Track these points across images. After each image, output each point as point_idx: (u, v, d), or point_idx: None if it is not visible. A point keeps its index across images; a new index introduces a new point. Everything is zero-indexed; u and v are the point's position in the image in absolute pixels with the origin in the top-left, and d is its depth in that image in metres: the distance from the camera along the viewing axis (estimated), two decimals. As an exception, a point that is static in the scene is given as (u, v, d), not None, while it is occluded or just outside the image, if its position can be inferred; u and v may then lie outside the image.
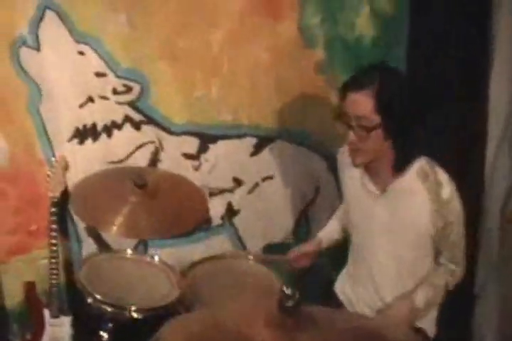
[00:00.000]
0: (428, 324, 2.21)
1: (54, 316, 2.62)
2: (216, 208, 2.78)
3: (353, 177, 2.20)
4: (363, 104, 1.97)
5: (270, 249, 2.85)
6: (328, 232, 2.46)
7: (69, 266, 2.80)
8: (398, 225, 2.11)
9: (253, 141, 2.81)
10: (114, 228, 2.21)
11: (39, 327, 2.62)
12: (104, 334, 1.96)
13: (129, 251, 2.39)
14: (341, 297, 2.34)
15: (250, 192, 2.84)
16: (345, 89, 2.03)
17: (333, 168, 2.51)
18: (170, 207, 2.31)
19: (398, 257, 2.15)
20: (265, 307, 1.51)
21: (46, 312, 2.63)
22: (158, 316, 1.99)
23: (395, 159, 2.07)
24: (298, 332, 1.44)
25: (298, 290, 1.45)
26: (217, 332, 1.48)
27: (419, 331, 2.15)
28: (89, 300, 2.02)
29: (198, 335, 1.49)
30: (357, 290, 2.27)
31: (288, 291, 1.47)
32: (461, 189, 2.09)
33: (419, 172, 2.07)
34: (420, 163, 2.08)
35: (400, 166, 2.08)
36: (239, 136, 2.79)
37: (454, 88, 2.67)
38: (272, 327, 1.44)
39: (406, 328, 1.64)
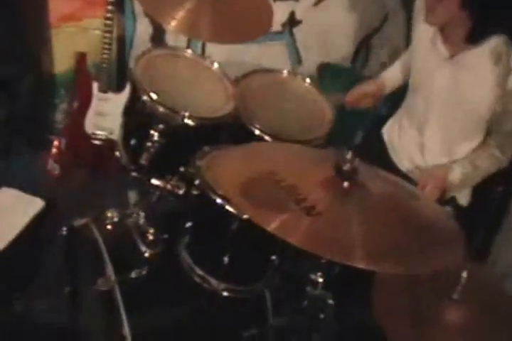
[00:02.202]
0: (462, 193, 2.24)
1: (102, 90, 2.72)
2: (278, 14, 2.70)
3: (425, 31, 2.11)
4: None
5: (325, 69, 2.84)
6: (391, 76, 2.41)
7: (121, 44, 2.84)
8: (455, 97, 2.08)
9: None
10: (174, 22, 2.12)
11: (85, 98, 2.72)
12: (155, 134, 2.03)
13: (189, 51, 2.29)
14: (386, 141, 2.38)
15: (316, 4, 2.76)
16: None
17: (406, 4, 2.43)
18: (235, 13, 2.23)
19: (448, 130, 2.15)
20: (320, 171, 1.58)
21: (95, 85, 2.73)
22: (209, 128, 2.05)
23: (470, 30, 1.98)
24: (349, 197, 1.51)
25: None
26: (270, 181, 1.55)
27: (451, 200, 2.20)
28: (144, 98, 2.05)
29: (249, 180, 1.54)
30: (403, 143, 2.30)
31: (348, 155, 1.55)
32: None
33: (493, 51, 1.98)
34: (496, 42, 1.98)
35: (475, 39, 1.99)
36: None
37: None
38: (326, 187, 1.51)
39: (451, 217, 1.67)
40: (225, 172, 1.67)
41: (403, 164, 2.30)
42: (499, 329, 1.71)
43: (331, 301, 1.82)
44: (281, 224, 1.42)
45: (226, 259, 1.90)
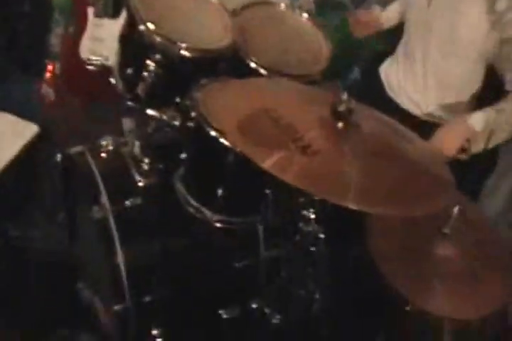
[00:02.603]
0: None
1: (98, 16, 2.68)
2: None
3: None
4: None
5: (322, 4, 2.78)
6: (388, 14, 2.38)
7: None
8: (451, 32, 2.07)
9: None
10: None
11: (82, 23, 2.68)
12: (151, 64, 2.01)
13: (188, -19, 2.26)
14: (384, 78, 2.37)
15: None
16: None
17: None
18: None
19: (446, 68, 2.14)
20: (317, 110, 1.59)
21: (90, 11, 2.68)
22: (206, 60, 2.03)
23: None
24: (344, 137, 1.53)
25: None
26: (267, 118, 1.56)
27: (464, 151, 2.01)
28: (141, 27, 2.02)
29: (246, 117, 1.55)
30: (401, 81, 2.29)
31: (343, 96, 1.56)
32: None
33: None
34: None
35: None
36: None
37: None
38: (322, 127, 1.53)
39: (443, 162, 1.65)
40: (222, 107, 1.68)
41: (402, 100, 2.30)
42: (487, 265, 1.77)
43: (322, 235, 1.86)
44: (276, 162, 1.44)
45: (220, 191, 1.93)
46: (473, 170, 2.15)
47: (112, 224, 1.91)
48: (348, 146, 1.52)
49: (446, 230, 1.72)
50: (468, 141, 1.96)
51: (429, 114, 2.23)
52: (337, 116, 1.54)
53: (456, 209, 1.68)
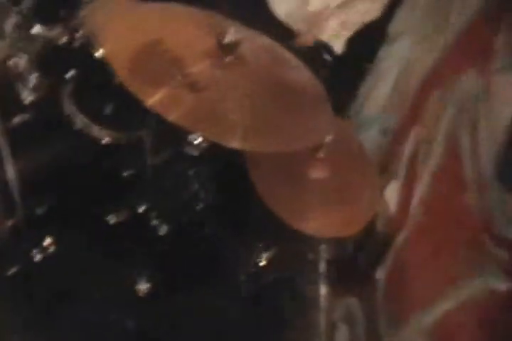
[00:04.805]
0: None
1: None
2: None
3: None
4: None
5: None
6: None
7: None
8: None
9: None
10: None
11: None
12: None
13: None
14: None
15: None
16: None
17: None
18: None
19: None
20: (205, 41, 1.60)
21: None
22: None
23: None
24: (231, 70, 1.56)
25: None
26: (155, 50, 1.57)
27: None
28: None
29: (135, 47, 1.57)
30: None
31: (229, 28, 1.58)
32: None
33: None
34: None
35: None
36: None
37: None
38: (210, 60, 1.55)
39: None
40: (112, 32, 1.66)
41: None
42: (356, 184, 1.92)
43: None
44: (161, 100, 1.47)
45: (109, 108, 1.97)
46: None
47: (1, 142, 1.92)
48: (235, 80, 1.56)
49: (321, 154, 1.83)
50: None
51: None
52: (223, 49, 1.55)
53: (330, 137, 1.77)
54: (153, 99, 1.45)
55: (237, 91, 1.54)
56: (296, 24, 2.24)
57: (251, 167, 1.80)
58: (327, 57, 2.33)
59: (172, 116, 1.44)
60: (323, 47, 2.30)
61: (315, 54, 2.26)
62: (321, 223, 1.80)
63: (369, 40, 2.43)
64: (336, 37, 2.28)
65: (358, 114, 2.46)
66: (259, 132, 1.50)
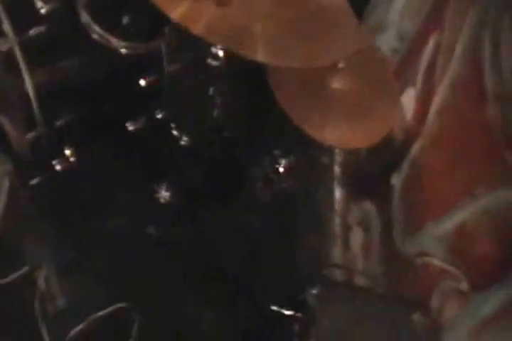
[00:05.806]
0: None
1: None
2: None
3: None
4: None
5: None
6: None
7: None
8: None
9: None
10: None
11: None
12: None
13: None
14: None
15: None
16: None
17: None
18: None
19: None
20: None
21: None
22: None
23: None
24: None
25: None
26: None
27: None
28: None
29: None
30: None
31: None
32: None
33: None
34: None
35: None
36: None
37: None
38: None
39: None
40: None
41: None
42: (376, 97, 1.92)
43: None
44: (185, 12, 1.45)
45: (126, 18, 1.94)
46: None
47: (18, 55, 1.90)
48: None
49: (341, 65, 1.83)
50: None
51: None
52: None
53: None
54: (177, 12, 1.43)
55: (261, 6, 1.51)
56: None
57: (271, 77, 1.80)
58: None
59: (196, 29, 1.42)
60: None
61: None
62: (340, 134, 1.82)
63: None
64: None
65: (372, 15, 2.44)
66: (282, 46, 1.49)
